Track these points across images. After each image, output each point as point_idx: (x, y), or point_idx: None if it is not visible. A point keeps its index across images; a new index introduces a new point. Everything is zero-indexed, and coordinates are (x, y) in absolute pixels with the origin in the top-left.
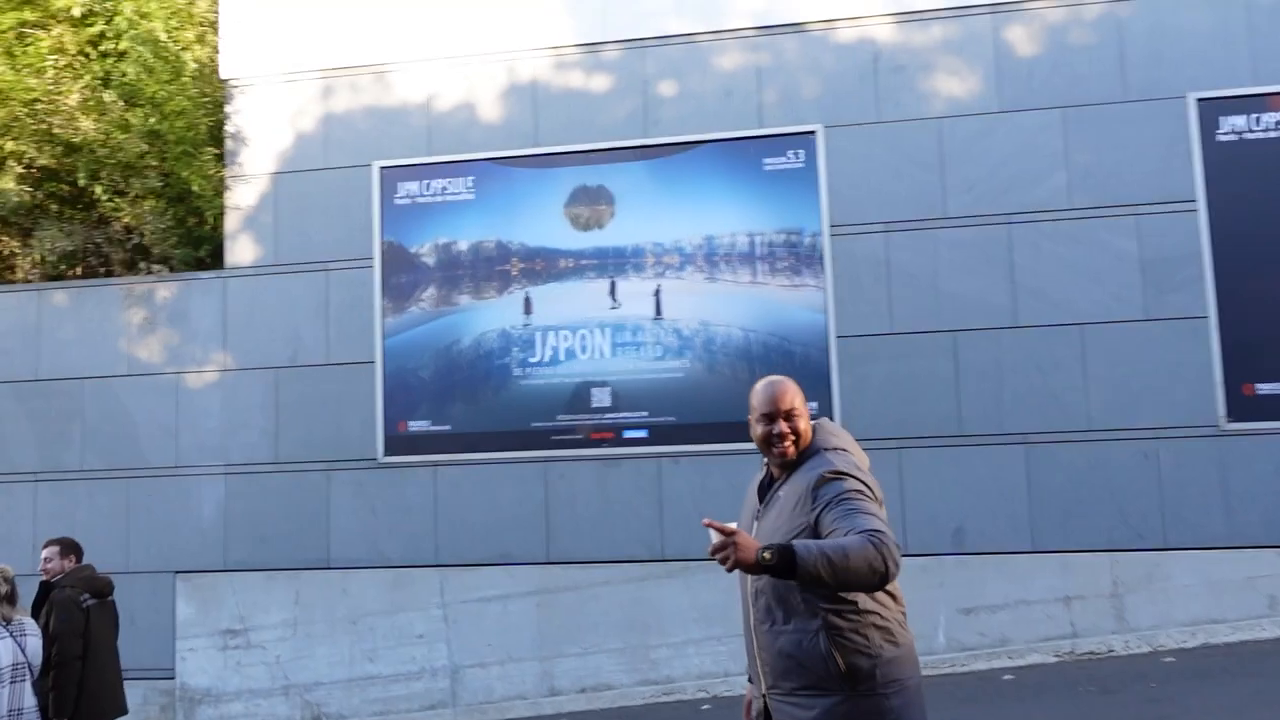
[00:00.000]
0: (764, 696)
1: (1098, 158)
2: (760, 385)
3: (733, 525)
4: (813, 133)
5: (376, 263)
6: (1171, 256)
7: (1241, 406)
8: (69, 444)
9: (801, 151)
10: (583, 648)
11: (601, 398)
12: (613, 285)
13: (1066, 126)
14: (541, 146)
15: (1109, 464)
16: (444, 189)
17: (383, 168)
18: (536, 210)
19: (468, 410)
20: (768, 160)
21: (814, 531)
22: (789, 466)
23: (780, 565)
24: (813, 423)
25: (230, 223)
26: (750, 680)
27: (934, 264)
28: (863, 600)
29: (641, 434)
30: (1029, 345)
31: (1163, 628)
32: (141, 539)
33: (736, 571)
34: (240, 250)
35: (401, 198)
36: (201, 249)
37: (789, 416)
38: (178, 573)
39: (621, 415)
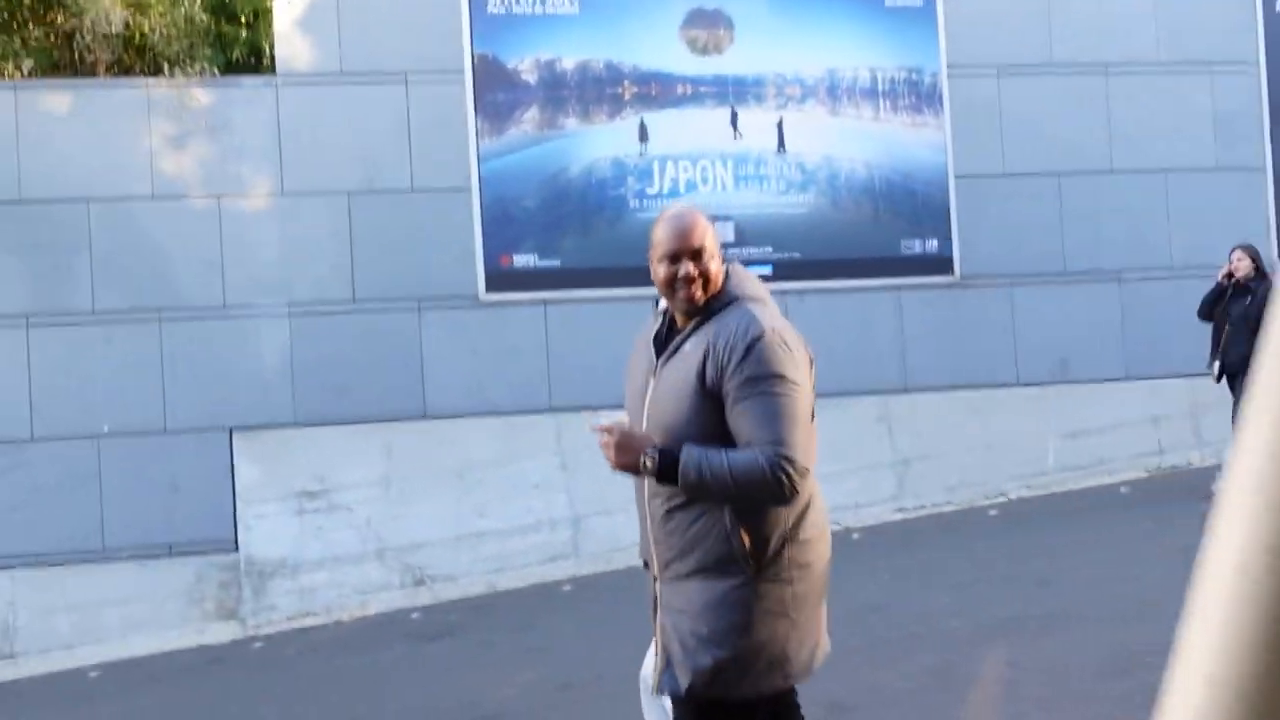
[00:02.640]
0: (655, 580)
1: (1179, 16)
2: (665, 218)
3: (615, 421)
4: None
5: (468, 77)
6: (1236, 112)
7: None
8: (73, 280)
9: None
10: None
11: (725, 232)
12: (734, 115)
13: None
14: None
15: (1187, 298)
16: (543, 0)
17: None
18: (649, 30)
19: (580, 244)
20: None
21: (715, 407)
22: (696, 314)
23: (661, 466)
24: (725, 267)
25: (280, 21)
26: (645, 565)
27: (1041, 108)
28: None
29: (766, 269)
30: (1121, 189)
31: (1230, 442)
32: (183, 392)
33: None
34: (294, 54)
35: (495, 6)
36: (233, 51)
37: (697, 256)
38: (234, 429)
39: (746, 250)
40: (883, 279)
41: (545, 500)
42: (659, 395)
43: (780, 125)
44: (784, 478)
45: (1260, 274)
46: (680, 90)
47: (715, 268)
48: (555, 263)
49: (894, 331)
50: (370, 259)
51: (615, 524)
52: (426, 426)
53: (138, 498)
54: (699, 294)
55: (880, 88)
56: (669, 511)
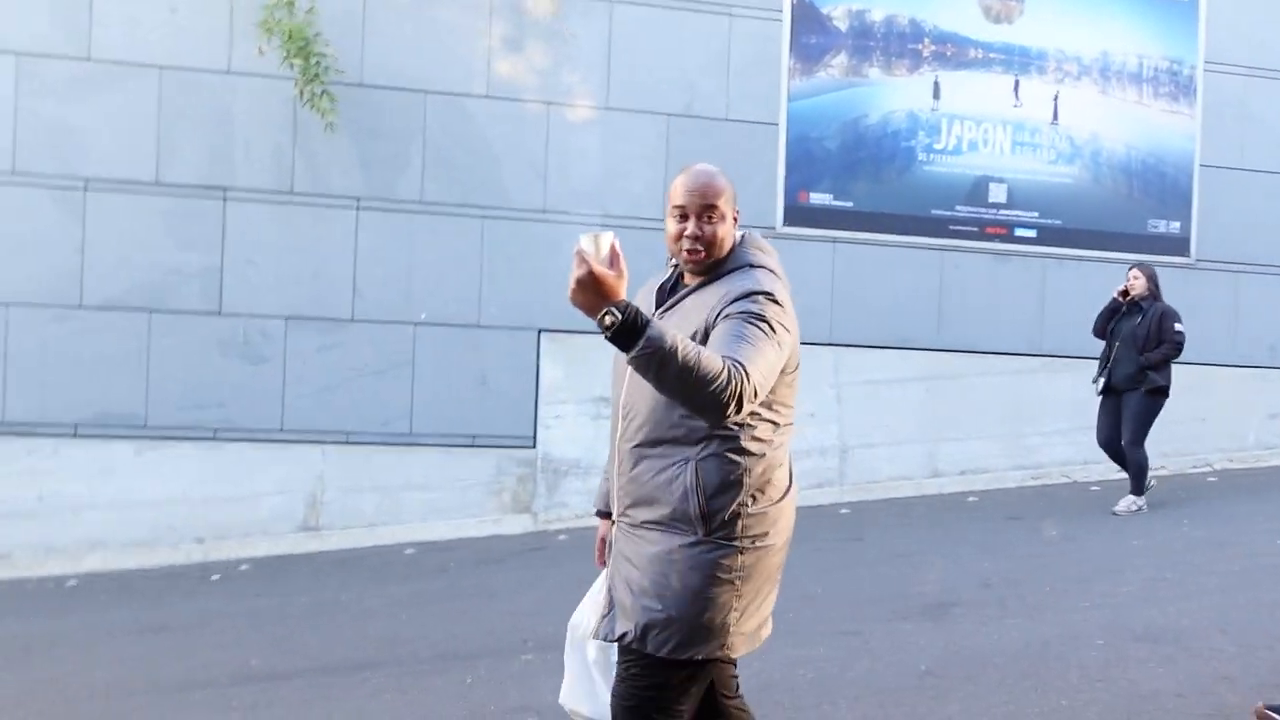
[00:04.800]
0: (614, 523)
1: None
2: (685, 170)
3: (599, 242)
4: None
5: (786, 17)
6: None
7: None
8: (404, 168)
9: None
10: (963, 433)
11: (998, 194)
12: (1016, 83)
13: None
14: None
15: None
16: None
17: None
18: None
19: (871, 188)
20: None
21: (704, 337)
22: (705, 273)
23: (621, 328)
24: (743, 234)
25: None
26: (599, 514)
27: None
28: (747, 441)
29: (1031, 233)
30: None
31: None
32: (499, 290)
33: (616, 373)
34: None
35: None
36: None
37: (707, 216)
38: (542, 330)
39: (1015, 213)
40: (1129, 254)
41: (819, 429)
42: None
43: (1056, 98)
44: (736, 385)
45: (1154, 294)
46: (972, 54)
47: (724, 231)
48: (848, 204)
49: None
50: None
51: (877, 457)
52: None
53: (447, 387)
54: (702, 254)
55: (1144, 74)
56: (637, 458)
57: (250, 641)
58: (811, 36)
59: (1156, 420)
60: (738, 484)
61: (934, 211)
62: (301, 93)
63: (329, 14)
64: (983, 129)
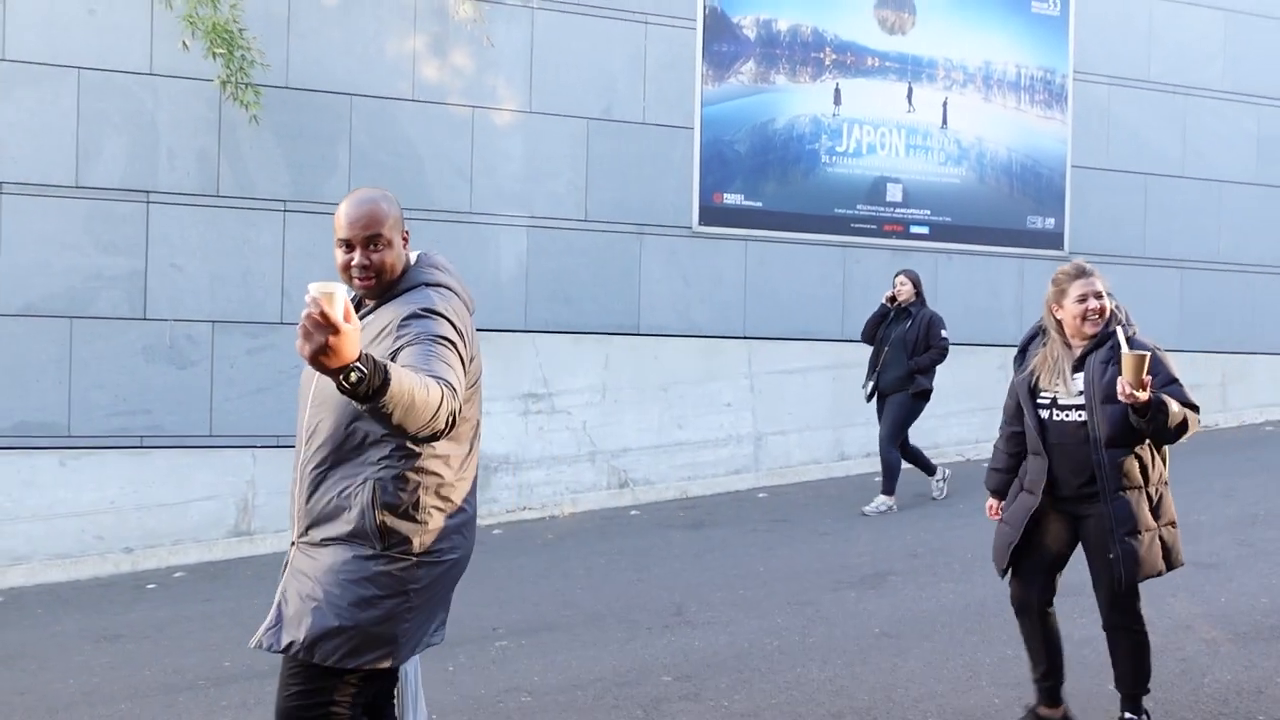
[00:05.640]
0: (293, 544)
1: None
2: (345, 200)
3: (329, 292)
4: None
5: (699, 25)
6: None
7: None
8: (330, 170)
9: (1059, 2)
10: (867, 418)
11: (895, 193)
12: (910, 90)
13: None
14: None
15: (1234, 285)
16: None
17: None
18: (849, 5)
19: (779, 189)
20: (1034, 3)
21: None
22: (381, 296)
23: (366, 387)
24: (417, 254)
25: None
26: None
27: (1139, 116)
28: (426, 459)
29: (924, 230)
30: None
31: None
32: None
33: (301, 397)
34: None
35: None
36: None
37: (373, 245)
38: None
39: (909, 211)
40: (1011, 247)
41: (734, 417)
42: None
43: (945, 104)
44: (448, 405)
45: (920, 299)
46: (870, 62)
47: (391, 257)
48: (758, 204)
49: (1015, 294)
50: (602, 182)
51: (789, 443)
52: (639, 342)
53: None
54: (373, 281)
55: (1021, 82)
56: (318, 478)
57: (216, 644)
58: (723, 44)
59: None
60: (415, 499)
61: (837, 210)
62: (225, 85)
63: (254, 15)
64: (880, 133)
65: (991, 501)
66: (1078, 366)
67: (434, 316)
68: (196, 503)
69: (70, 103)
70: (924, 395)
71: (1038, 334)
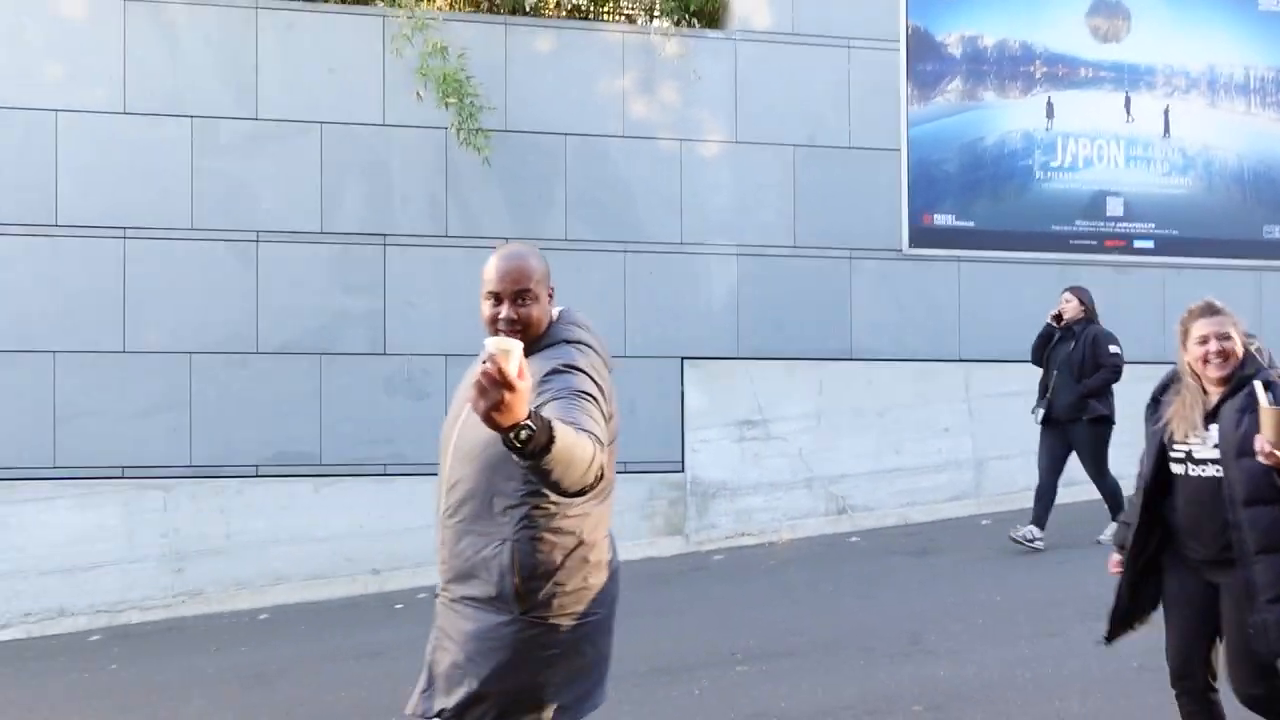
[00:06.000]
0: (438, 597)
1: None
2: (497, 255)
3: (515, 369)
4: None
5: (902, 46)
6: None
7: None
8: (549, 208)
9: None
10: None
11: (1115, 207)
12: (1127, 99)
13: None
14: None
15: None
16: None
17: None
18: (1058, 15)
19: (991, 207)
20: (1261, 0)
21: None
22: (524, 352)
23: (534, 445)
24: (559, 310)
25: None
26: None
27: None
28: (565, 519)
29: (1149, 244)
30: None
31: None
32: (641, 321)
33: (443, 445)
34: (747, 12)
35: None
36: (690, 4)
37: (521, 299)
38: (685, 358)
39: (1131, 225)
40: (1247, 259)
41: (952, 442)
42: (472, 422)
43: (1167, 112)
44: (598, 460)
45: (1088, 317)
46: (1083, 73)
47: (538, 311)
48: (970, 224)
49: (1253, 306)
50: (810, 208)
51: (1012, 468)
52: (852, 367)
53: None
54: (517, 337)
55: (1252, 84)
56: (460, 533)
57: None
58: (927, 64)
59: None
60: (553, 562)
61: (1054, 227)
62: (458, 132)
63: (475, 64)
64: (1096, 145)
65: (1115, 556)
66: (1212, 416)
67: (575, 372)
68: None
69: (314, 155)
70: (1101, 420)
71: (1172, 381)
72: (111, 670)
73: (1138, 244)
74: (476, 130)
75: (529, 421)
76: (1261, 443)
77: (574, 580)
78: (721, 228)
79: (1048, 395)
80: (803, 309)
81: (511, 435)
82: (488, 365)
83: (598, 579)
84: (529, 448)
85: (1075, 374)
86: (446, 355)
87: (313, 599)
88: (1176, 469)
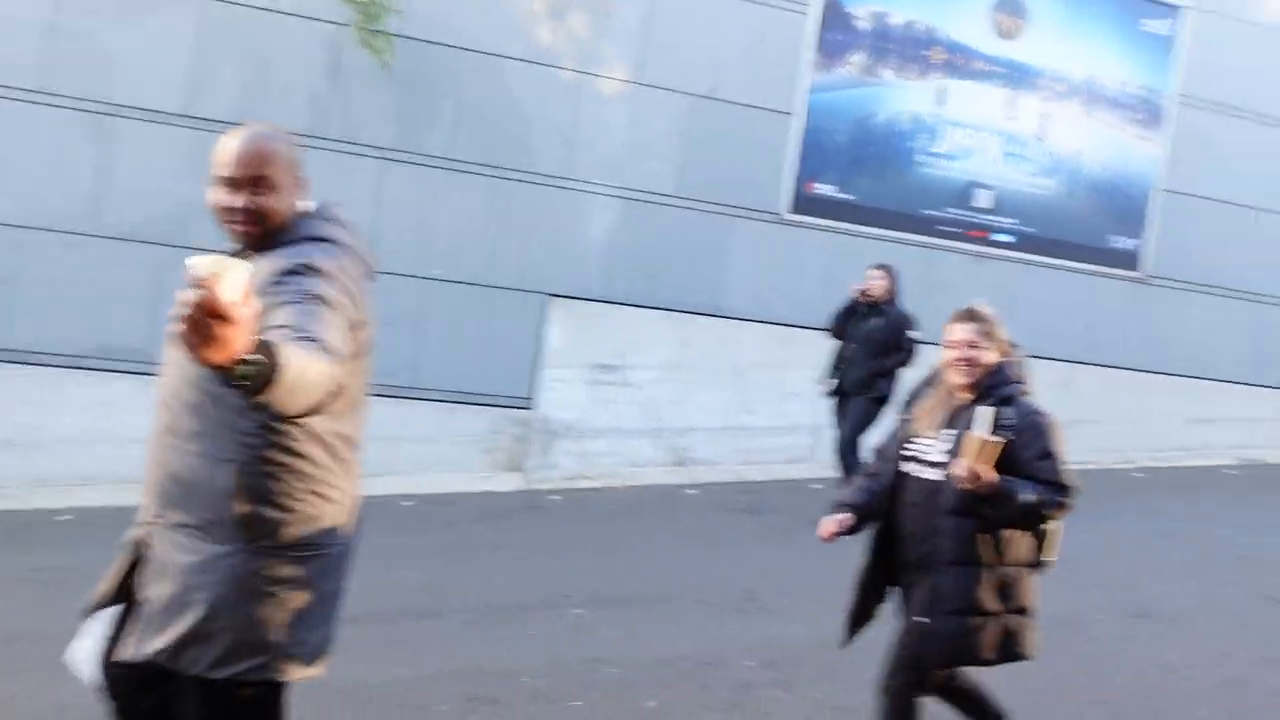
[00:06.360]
0: (148, 525)
1: None
2: (230, 136)
3: (236, 295)
4: (1180, 8)
5: (815, 12)
6: None
7: None
8: (435, 123)
9: (1170, 22)
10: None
11: (984, 199)
12: (1013, 97)
13: None
14: None
15: None
16: None
17: None
18: (967, 6)
19: (872, 184)
20: (1144, 21)
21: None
22: (258, 247)
23: (257, 381)
24: (315, 205)
25: None
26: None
27: (1235, 144)
28: (295, 439)
29: (1009, 238)
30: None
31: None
32: (512, 252)
33: (161, 374)
34: None
35: None
36: None
37: (254, 186)
38: (551, 295)
39: (996, 218)
40: (1088, 264)
41: (800, 407)
42: None
43: (1044, 115)
44: (332, 374)
45: (893, 297)
46: (978, 65)
47: (275, 202)
48: (851, 197)
49: (1084, 311)
50: (699, 161)
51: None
52: (717, 323)
53: (453, 343)
54: (251, 229)
55: (1124, 99)
56: (176, 454)
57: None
58: (836, 33)
59: (1096, 420)
60: (283, 484)
61: (924, 211)
62: (357, 31)
63: None
64: (979, 137)
65: (836, 516)
66: (953, 421)
67: (316, 274)
68: None
69: (189, 30)
70: (882, 400)
71: (936, 379)
72: None
73: (997, 237)
74: (377, 32)
75: (253, 355)
76: (958, 465)
77: (304, 508)
78: (609, 168)
79: (839, 368)
80: (677, 261)
81: (227, 369)
82: (195, 294)
83: (332, 509)
84: (252, 384)
85: (874, 350)
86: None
87: (120, 504)
88: (905, 466)
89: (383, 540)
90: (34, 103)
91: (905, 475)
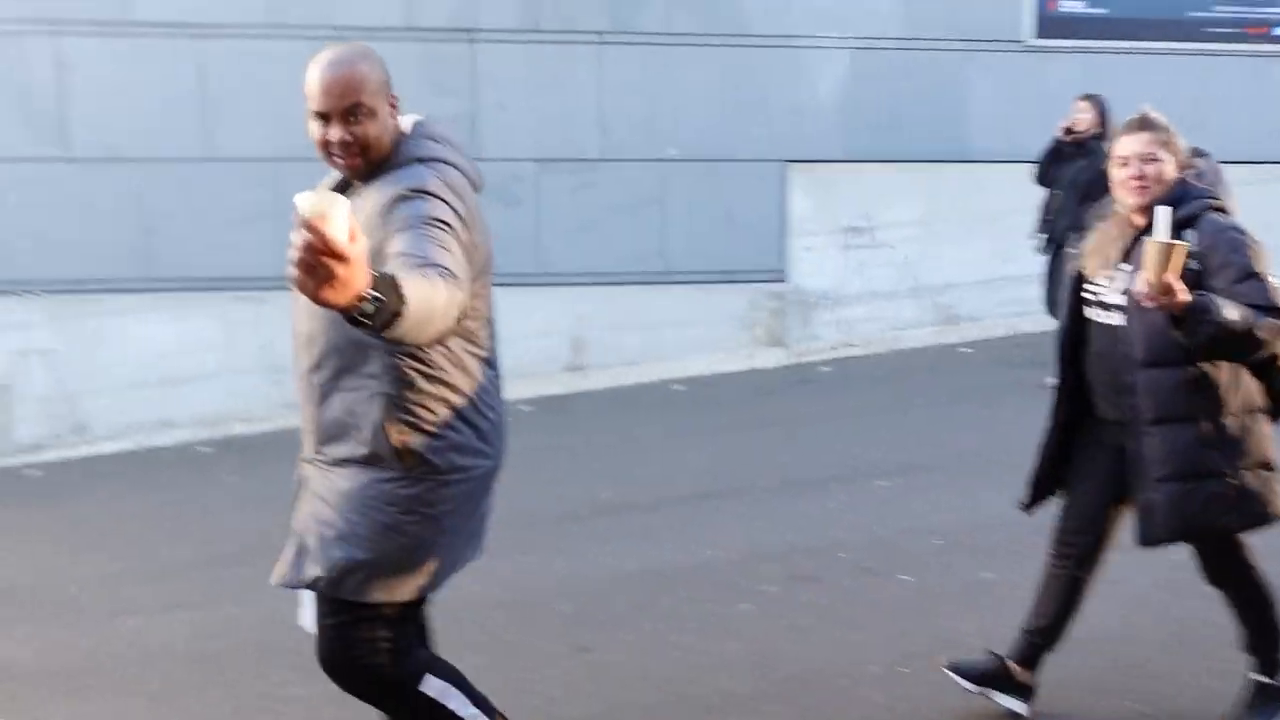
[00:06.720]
0: (310, 462)
1: None
2: (314, 65)
3: (344, 234)
4: None
5: None
6: None
7: None
8: (648, 1)
9: None
10: None
11: None
12: None
13: None
14: None
15: None
16: None
17: None
18: None
19: None
20: None
21: (380, 258)
22: (364, 177)
23: (382, 317)
24: (413, 122)
25: None
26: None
27: None
28: (439, 366)
29: None
30: None
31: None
32: (742, 122)
33: (293, 310)
34: None
35: None
36: None
37: (351, 117)
38: (790, 162)
39: (1275, 10)
40: None
41: None
42: None
43: None
44: (455, 301)
45: (1104, 131)
46: None
47: (376, 129)
48: (1103, 10)
49: None
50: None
51: None
52: (964, 170)
53: (697, 223)
54: (356, 162)
55: None
56: (325, 391)
57: (589, 475)
58: None
59: None
60: (431, 412)
61: (1189, 13)
62: None
63: None
64: None
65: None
66: (1129, 255)
67: (427, 197)
68: (531, 339)
69: None
70: None
71: (1107, 207)
72: (233, 481)
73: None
74: None
75: (373, 292)
76: (1140, 280)
77: (456, 432)
78: (830, 18)
79: (1048, 219)
80: (915, 107)
81: (347, 309)
82: (306, 235)
83: (480, 431)
84: (377, 321)
85: (1084, 194)
86: (539, 160)
87: None
88: (1089, 313)
89: (660, 425)
90: (265, 37)
91: (1090, 323)
